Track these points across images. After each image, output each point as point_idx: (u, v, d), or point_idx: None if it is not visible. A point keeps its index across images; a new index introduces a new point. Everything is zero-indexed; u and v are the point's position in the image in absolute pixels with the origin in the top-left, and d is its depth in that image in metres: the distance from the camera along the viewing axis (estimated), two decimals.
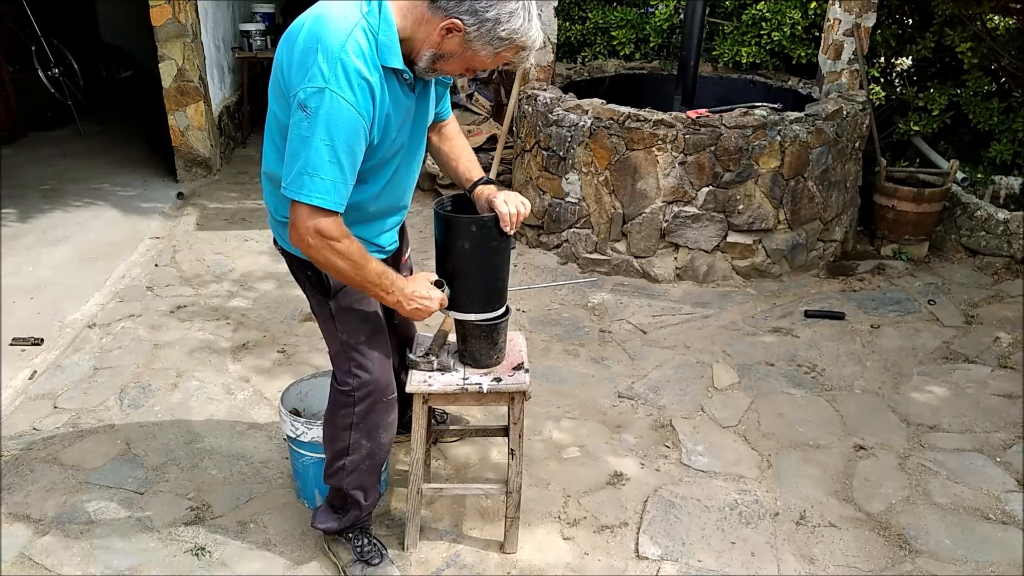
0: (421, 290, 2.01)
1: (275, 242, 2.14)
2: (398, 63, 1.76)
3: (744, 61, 5.10)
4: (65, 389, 3.20)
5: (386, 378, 2.13)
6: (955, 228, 4.58)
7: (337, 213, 1.78)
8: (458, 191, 2.21)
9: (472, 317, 2.14)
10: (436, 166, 5.13)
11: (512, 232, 2.06)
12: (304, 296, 2.18)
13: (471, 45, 1.74)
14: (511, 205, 2.04)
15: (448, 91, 2.17)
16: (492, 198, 2.07)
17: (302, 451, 2.44)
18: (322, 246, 1.79)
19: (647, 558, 2.40)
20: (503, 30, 1.72)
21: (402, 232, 2.31)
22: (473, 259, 2.08)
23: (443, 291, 2.07)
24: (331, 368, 2.19)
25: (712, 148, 4.00)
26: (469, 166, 2.19)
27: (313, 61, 1.68)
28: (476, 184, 2.14)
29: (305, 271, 2.05)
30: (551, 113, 4.34)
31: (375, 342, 2.11)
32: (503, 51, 1.76)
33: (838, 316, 3.85)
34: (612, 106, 4.16)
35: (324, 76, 1.66)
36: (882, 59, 5.42)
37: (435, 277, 2.09)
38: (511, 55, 1.79)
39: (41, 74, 6.71)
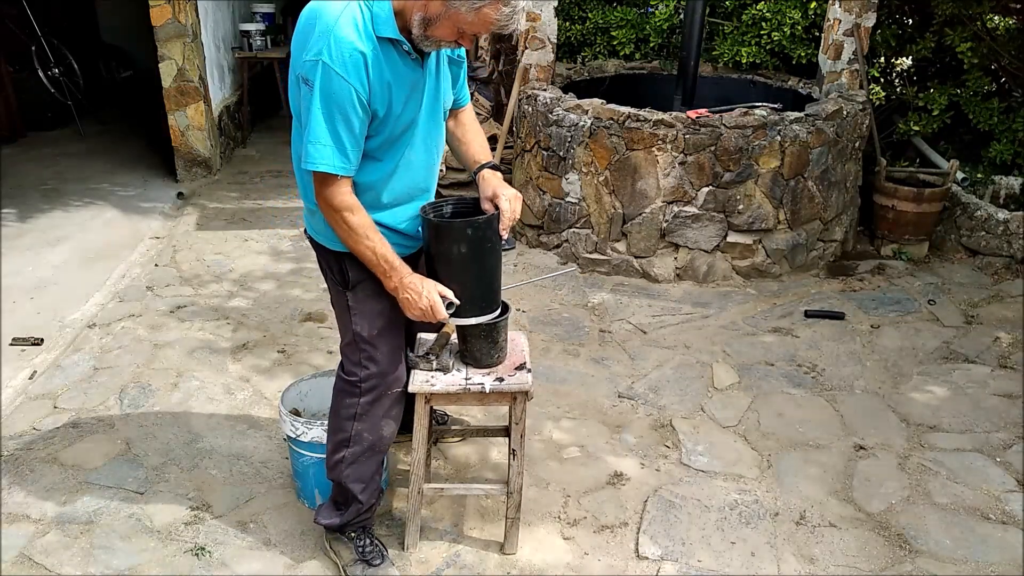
0: (418, 286, 2.00)
1: (306, 231, 2.20)
2: (392, 33, 1.82)
3: (744, 61, 5.10)
4: (65, 389, 3.20)
5: (395, 372, 2.16)
6: (955, 228, 4.58)
7: (341, 178, 1.87)
8: (439, 198, 2.19)
9: (472, 321, 2.13)
10: None
11: (505, 235, 2.07)
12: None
13: (452, 3, 1.77)
14: (514, 204, 2.07)
15: (465, 74, 2.19)
16: (497, 194, 2.07)
17: (302, 451, 2.44)
18: (327, 211, 1.93)
19: (647, 558, 2.40)
20: None
21: None
22: (470, 263, 2.06)
23: (448, 309, 2.04)
24: (333, 368, 2.20)
25: (712, 148, 4.00)
26: (479, 150, 2.22)
27: (311, 36, 1.80)
28: (483, 167, 2.16)
29: (329, 260, 2.11)
30: (551, 113, 4.34)
31: (388, 336, 2.13)
32: (483, 7, 1.77)
33: (838, 316, 3.85)
34: (612, 106, 4.16)
35: (318, 49, 1.77)
36: (882, 59, 5.42)
37: (451, 299, 2.04)
38: (494, 13, 1.78)
39: (41, 74, 6.71)
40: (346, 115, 1.80)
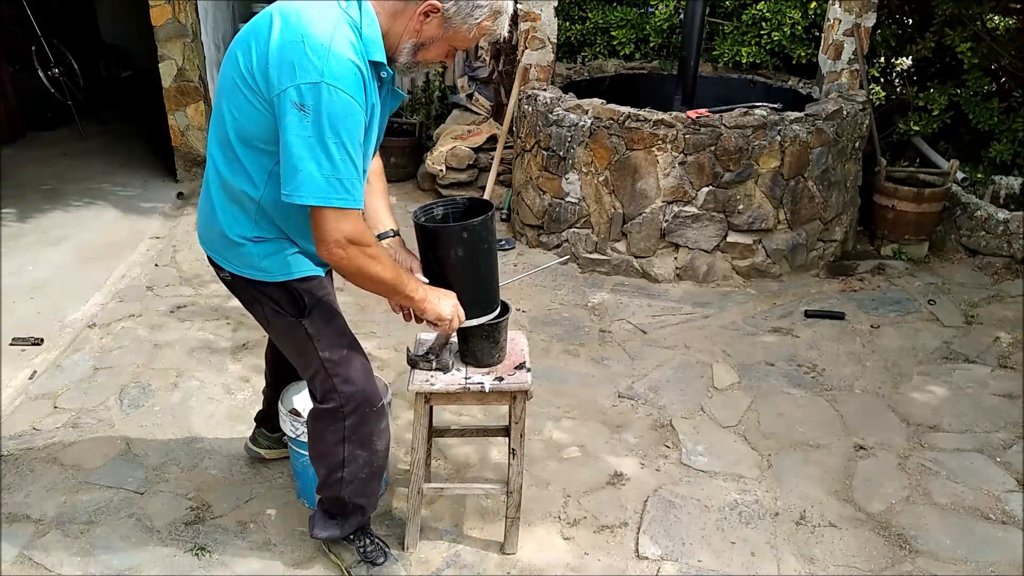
0: (448, 298, 2.01)
1: (221, 269, 1.99)
2: (381, 57, 1.74)
3: (744, 61, 5.10)
4: (65, 389, 3.20)
5: (371, 387, 2.08)
6: (955, 228, 4.58)
7: (358, 211, 1.75)
8: (443, 198, 2.17)
9: (474, 322, 2.12)
10: (437, 166, 5.14)
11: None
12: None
13: (451, 23, 1.73)
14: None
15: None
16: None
17: (302, 451, 2.43)
18: (355, 254, 1.76)
19: (647, 558, 2.40)
20: None
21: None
22: (467, 265, 2.05)
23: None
24: None
25: (712, 148, 4.00)
26: (385, 212, 2.15)
27: (301, 55, 1.62)
28: (382, 237, 2.10)
29: (273, 295, 1.95)
30: (551, 113, 4.34)
31: (355, 354, 2.05)
32: (483, 21, 1.75)
33: (838, 316, 3.85)
34: (612, 106, 4.15)
35: (318, 69, 1.61)
36: (882, 59, 5.42)
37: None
38: (490, 23, 1.77)
39: (41, 74, 6.70)
40: (355, 137, 1.68)
